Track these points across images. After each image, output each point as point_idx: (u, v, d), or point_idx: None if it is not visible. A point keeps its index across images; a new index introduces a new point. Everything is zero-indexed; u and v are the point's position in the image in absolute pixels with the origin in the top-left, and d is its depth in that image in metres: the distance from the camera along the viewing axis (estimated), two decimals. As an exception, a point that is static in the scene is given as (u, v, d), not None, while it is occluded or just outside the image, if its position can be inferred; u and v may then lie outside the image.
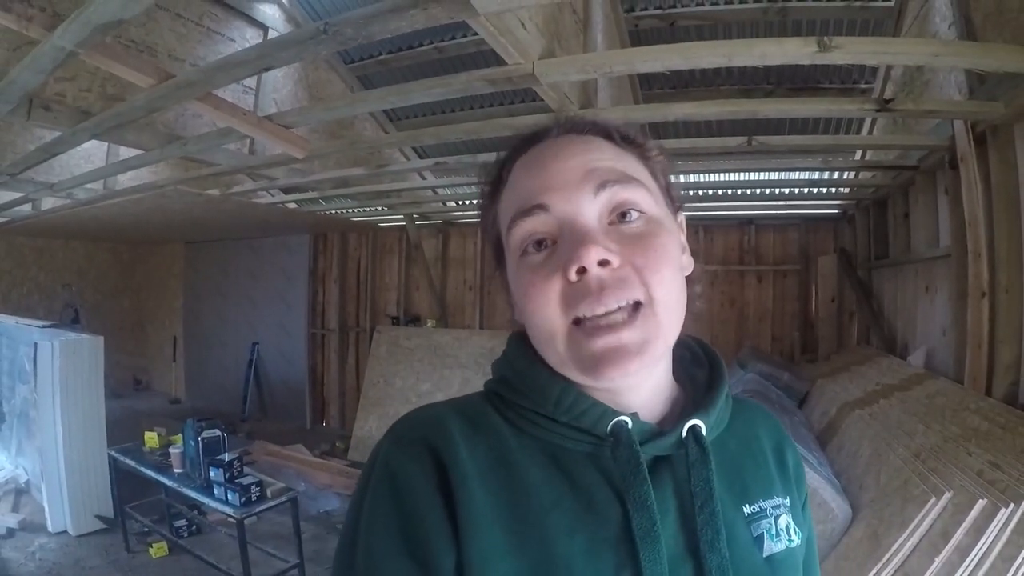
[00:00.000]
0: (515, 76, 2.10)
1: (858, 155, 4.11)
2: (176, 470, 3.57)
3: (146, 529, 3.88)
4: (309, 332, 7.53)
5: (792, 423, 2.96)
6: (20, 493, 4.51)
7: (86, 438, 4.11)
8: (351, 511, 0.56)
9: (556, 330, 0.55)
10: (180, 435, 3.69)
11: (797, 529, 0.63)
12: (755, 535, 0.60)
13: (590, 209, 0.55)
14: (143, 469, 3.66)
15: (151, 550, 3.73)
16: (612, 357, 0.53)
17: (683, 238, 0.65)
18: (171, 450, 3.63)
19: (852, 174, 4.23)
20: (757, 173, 4.39)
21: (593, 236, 0.54)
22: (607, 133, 0.62)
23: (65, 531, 3.95)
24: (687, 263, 0.63)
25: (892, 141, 3.15)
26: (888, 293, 4.19)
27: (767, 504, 0.63)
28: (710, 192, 4.92)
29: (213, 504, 3.23)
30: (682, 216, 0.67)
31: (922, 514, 1.89)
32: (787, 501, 0.65)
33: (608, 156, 0.59)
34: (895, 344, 3.94)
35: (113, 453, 3.93)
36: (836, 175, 4.31)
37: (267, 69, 2.26)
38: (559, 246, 0.55)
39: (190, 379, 8.54)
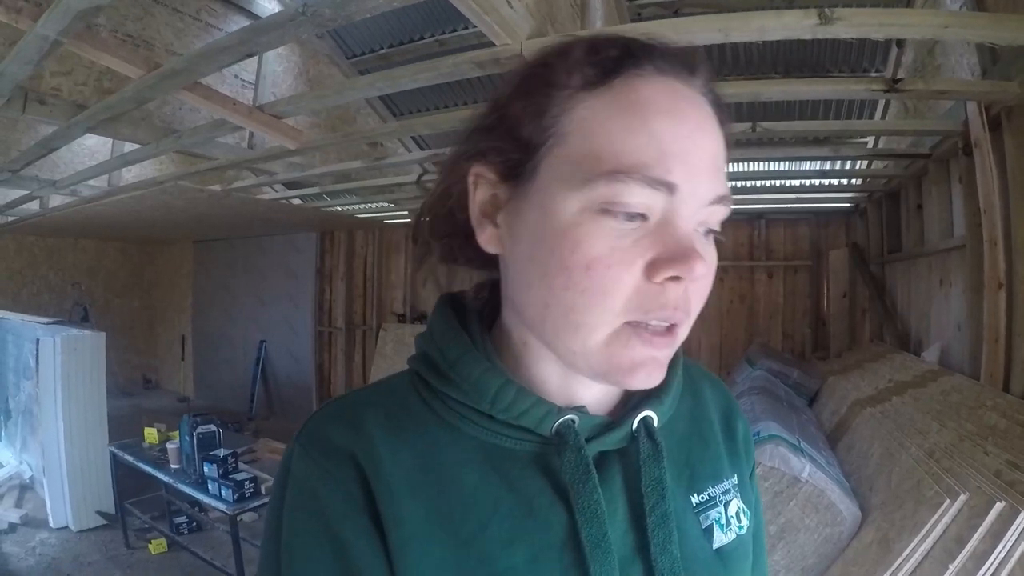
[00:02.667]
0: (503, 58, 2.02)
1: (870, 143, 4.00)
2: (173, 466, 3.55)
3: (146, 525, 3.87)
4: (316, 330, 7.51)
5: (800, 422, 2.85)
6: (24, 489, 4.53)
7: (87, 434, 4.12)
8: (268, 528, 0.50)
9: (602, 323, 0.45)
10: (178, 431, 3.68)
11: (746, 511, 0.59)
12: (704, 526, 0.56)
13: (699, 213, 0.45)
14: (141, 465, 3.64)
15: (150, 546, 3.72)
16: (647, 368, 0.46)
17: None
18: (168, 446, 3.62)
19: (863, 164, 4.11)
20: (766, 164, 4.29)
21: (699, 248, 0.45)
22: (720, 108, 0.49)
23: (66, 527, 3.95)
24: None
25: (903, 126, 3.04)
26: (901, 288, 4.07)
27: (716, 490, 0.58)
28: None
29: (207, 500, 3.21)
30: None
31: (935, 517, 1.78)
32: (735, 480, 0.61)
33: (723, 151, 0.48)
34: (909, 340, 3.83)
35: (113, 449, 3.92)
36: (847, 165, 4.20)
37: (251, 55, 2.21)
38: (652, 233, 0.44)
39: (199, 377, 8.58)
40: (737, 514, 0.58)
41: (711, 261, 0.47)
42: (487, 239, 0.50)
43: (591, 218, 0.44)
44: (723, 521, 0.57)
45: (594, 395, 0.54)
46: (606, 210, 0.43)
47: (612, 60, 0.45)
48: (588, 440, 0.50)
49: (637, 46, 0.46)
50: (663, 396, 0.54)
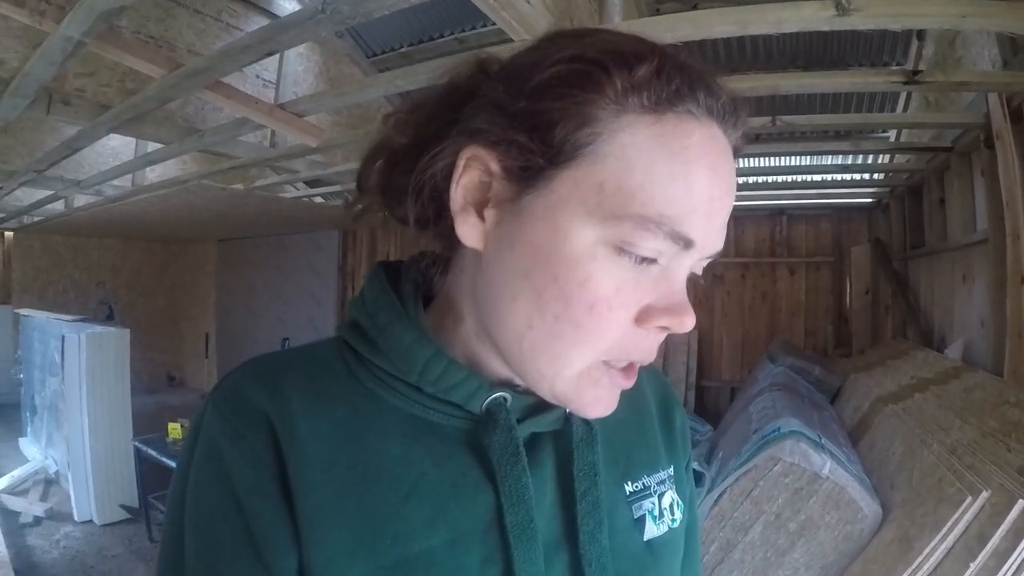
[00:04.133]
0: (520, 54, 2.03)
1: (891, 137, 3.95)
2: (196, 461, 3.60)
3: (169, 520, 3.93)
4: (338, 327, 7.55)
5: (822, 418, 2.83)
6: (49, 483, 4.65)
7: (112, 429, 4.20)
8: (173, 493, 0.47)
9: (581, 359, 0.44)
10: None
11: (680, 504, 0.58)
12: (636, 516, 0.55)
13: (694, 264, 0.45)
14: (164, 459, 3.70)
15: (173, 540, 3.78)
16: (607, 402, 0.47)
17: None
18: (191, 441, 3.67)
19: (885, 158, 4.05)
20: (787, 158, 4.25)
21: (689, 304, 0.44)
22: (735, 157, 0.47)
23: (91, 520, 4.04)
24: None
25: (922, 119, 3.00)
26: (924, 284, 4.01)
27: (651, 480, 0.57)
28: (739, 180, 4.77)
29: (228, 494, 3.24)
30: None
31: (957, 515, 1.75)
32: (671, 471, 0.60)
33: None
34: (932, 337, 3.76)
35: (137, 444, 4.00)
36: (869, 160, 4.14)
37: (271, 53, 2.24)
38: (656, 280, 0.43)
39: (222, 374, 8.57)
40: (671, 506, 0.57)
41: None
42: (468, 231, 0.46)
43: (606, 254, 0.42)
44: (656, 512, 0.56)
45: None
46: (623, 249, 0.41)
47: (673, 92, 0.42)
48: (521, 420, 0.49)
49: (700, 83, 0.43)
50: None
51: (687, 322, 0.43)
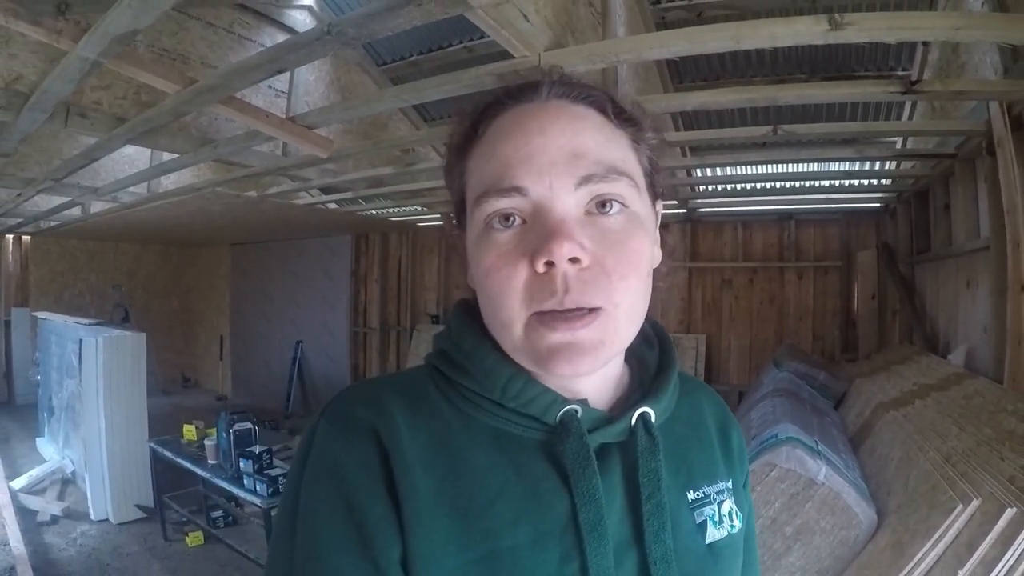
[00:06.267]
0: (522, 69, 2.08)
1: (899, 144, 3.94)
2: (210, 461, 3.70)
3: (184, 519, 4.02)
4: (351, 331, 7.66)
5: (822, 424, 2.84)
6: (66, 483, 4.76)
7: (128, 430, 4.30)
8: (286, 499, 0.54)
9: (514, 319, 0.51)
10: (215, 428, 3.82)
11: (739, 513, 0.63)
12: (698, 522, 0.60)
13: (568, 198, 0.51)
14: (180, 460, 3.81)
15: (187, 539, 3.88)
16: (565, 353, 0.50)
17: (655, 229, 0.61)
18: (206, 442, 3.77)
19: (891, 164, 4.05)
20: (793, 165, 4.25)
21: (568, 229, 0.49)
22: (602, 107, 0.56)
23: (107, 519, 4.15)
24: (656, 256, 0.60)
25: (924, 127, 3.00)
26: (930, 289, 3.99)
27: (711, 489, 0.62)
28: (747, 186, 4.78)
29: (243, 494, 3.33)
30: (660, 204, 0.62)
31: (948, 522, 1.77)
32: (730, 484, 0.65)
33: (599, 138, 0.54)
34: (937, 342, 3.75)
35: (153, 445, 4.09)
36: (876, 166, 4.13)
37: (281, 71, 2.30)
38: (530, 230, 0.51)
39: (236, 377, 8.80)
40: (730, 513, 0.62)
41: (600, 236, 0.51)
42: (468, 278, 0.60)
43: (482, 235, 0.53)
44: (716, 518, 0.61)
45: (594, 388, 0.59)
46: (489, 225, 0.53)
47: (480, 113, 0.57)
48: (590, 432, 0.55)
49: (497, 92, 0.57)
50: (660, 395, 0.59)
51: (553, 249, 0.48)
